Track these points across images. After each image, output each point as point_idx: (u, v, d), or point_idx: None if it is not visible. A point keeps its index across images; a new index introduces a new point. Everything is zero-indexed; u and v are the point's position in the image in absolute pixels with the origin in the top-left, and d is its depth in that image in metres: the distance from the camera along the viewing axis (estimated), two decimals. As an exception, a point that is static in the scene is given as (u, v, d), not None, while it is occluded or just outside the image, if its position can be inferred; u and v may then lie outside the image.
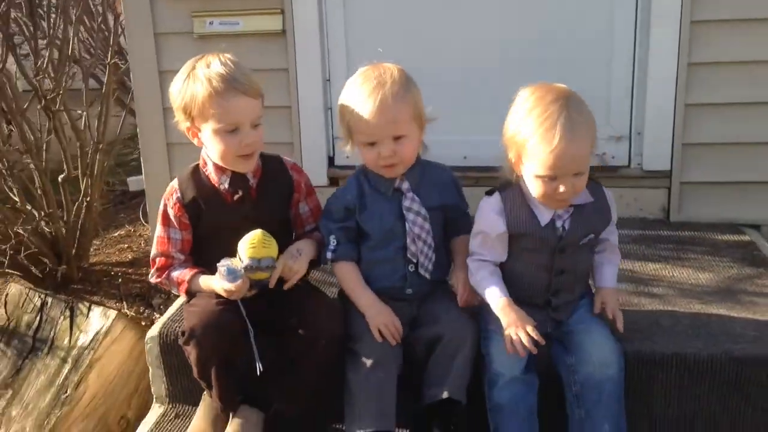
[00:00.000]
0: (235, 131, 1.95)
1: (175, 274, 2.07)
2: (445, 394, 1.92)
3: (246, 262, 1.91)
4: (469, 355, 1.97)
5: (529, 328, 1.89)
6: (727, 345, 2.05)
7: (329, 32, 3.07)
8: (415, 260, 2.06)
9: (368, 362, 1.97)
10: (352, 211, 2.05)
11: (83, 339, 2.75)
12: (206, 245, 2.09)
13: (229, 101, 1.92)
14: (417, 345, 2.04)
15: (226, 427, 2.07)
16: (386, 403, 1.94)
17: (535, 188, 1.90)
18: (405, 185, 2.03)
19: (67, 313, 2.86)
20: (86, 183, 3.58)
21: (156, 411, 2.32)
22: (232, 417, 2.08)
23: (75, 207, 3.56)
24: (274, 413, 2.09)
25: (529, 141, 1.84)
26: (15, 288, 3.09)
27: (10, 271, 3.40)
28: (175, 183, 2.10)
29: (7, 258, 3.27)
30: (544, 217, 1.96)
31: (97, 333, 2.74)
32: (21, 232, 3.25)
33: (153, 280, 2.13)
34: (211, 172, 2.06)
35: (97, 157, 3.62)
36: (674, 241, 2.83)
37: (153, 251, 2.12)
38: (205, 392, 2.14)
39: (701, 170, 2.96)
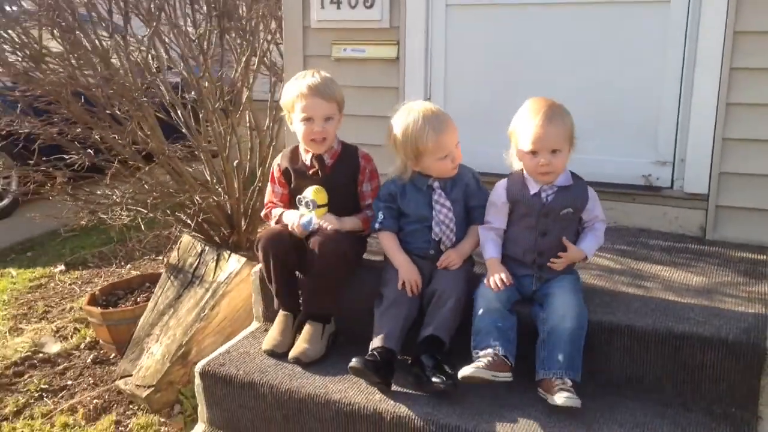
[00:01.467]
0: (309, 120, 2.81)
1: (275, 211, 3.03)
2: (429, 331, 2.63)
3: (302, 196, 2.85)
4: (455, 305, 2.66)
5: (503, 275, 2.66)
6: (672, 323, 2.58)
7: (432, 61, 3.85)
8: (437, 238, 2.81)
9: (388, 301, 2.74)
10: (395, 197, 2.84)
11: (221, 276, 3.73)
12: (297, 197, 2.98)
13: (308, 99, 2.80)
14: (424, 298, 2.76)
15: (292, 337, 2.92)
16: (394, 331, 2.67)
17: (524, 163, 2.66)
18: (436, 183, 2.79)
19: (215, 258, 3.85)
20: (260, 171, 4.62)
21: (254, 325, 3.22)
22: (301, 328, 2.91)
23: (250, 191, 4.60)
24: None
25: (519, 128, 2.63)
26: (186, 238, 4.14)
27: (195, 234, 4.49)
28: (280, 155, 3.01)
29: (194, 222, 4.35)
30: (533, 188, 2.69)
31: (230, 273, 3.70)
32: (206, 201, 4.32)
33: (262, 214, 3.11)
34: (302, 152, 2.95)
35: (270, 151, 4.66)
36: (694, 253, 3.28)
37: (265, 198, 3.08)
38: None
39: (735, 196, 3.38)
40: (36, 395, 3.88)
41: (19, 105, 4.70)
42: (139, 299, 4.34)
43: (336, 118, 2.89)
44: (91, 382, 3.99)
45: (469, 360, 2.52)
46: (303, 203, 2.85)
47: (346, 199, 2.96)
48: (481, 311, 2.63)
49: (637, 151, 3.55)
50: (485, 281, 2.68)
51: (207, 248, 3.97)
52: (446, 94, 3.84)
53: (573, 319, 2.55)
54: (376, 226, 2.88)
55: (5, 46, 4.36)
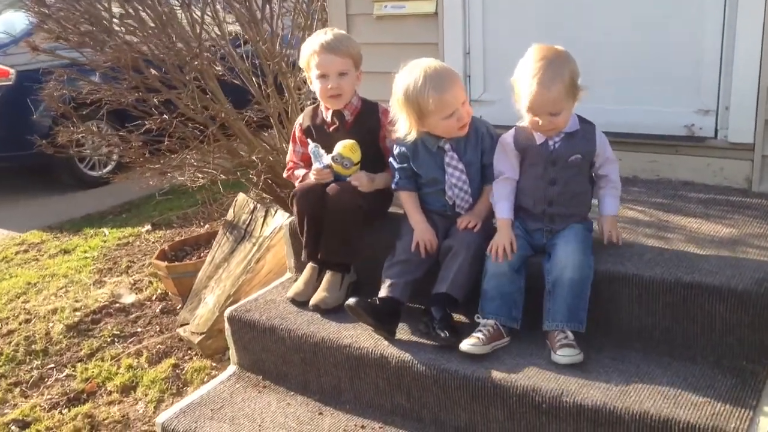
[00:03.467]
0: (324, 76, 2.88)
1: (297, 172, 3.12)
2: (443, 288, 2.66)
3: (334, 153, 2.88)
4: (467, 261, 2.67)
5: (507, 245, 2.63)
6: (681, 273, 2.51)
7: (470, 15, 3.82)
8: (451, 202, 2.83)
9: (399, 255, 2.79)
10: (408, 157, 2.84)
11: (267, 231, 3.90)
12: None
13: (321, 56, 2.87)
14: (440, 252, 2.79)
15: (315, 287, 3.04)
16: (399, 282, 2.73)
17: (525, 119, 2.62)
18: (447, 145, 2.77)
19: (264, 214, 4.02)
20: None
21: (286, 276, 3.37)
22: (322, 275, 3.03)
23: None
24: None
25: (519, 81, 2.57)
26: (241, 196, 4.34)
27: (262, 194, 4.69)
28: (302, 114, 3.11)
29: (261, 182, 4.55)
30: (540, 137, 2.66)
31: (275, 228, 3.86)
32: (267, 161, 4.52)
33: (285, 175, 3.21)
34: (322, 109, 3.03)
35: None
36: (733, 206, 3.14)
37: (287, 158, 3.18)
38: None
39: (783, 145, 3.21)
40: (109, 340, 4.22)
41: (97, 73, 5.06)
42: (202, 254, 4.59)
43: (351, 74, 2.95)
44: (158, 329, 4.29)
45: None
46: (338, 161, 2.89)
47: (370, 154, 3.00)
48: (488, 273, 2.65)
49: (678, 99, 3.42)
50: (489, 247, 2.67)
51: (258, 205, 4.14)
52: (485, 47, 3.81)
53: (574, 269, 2.53)
54: (393, 186, 2.92)
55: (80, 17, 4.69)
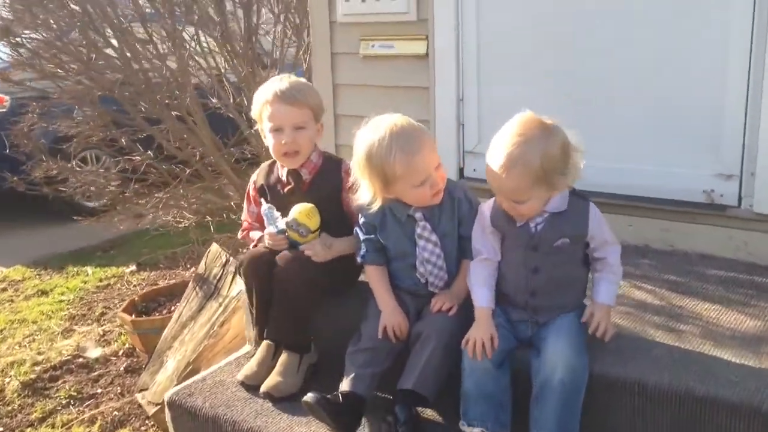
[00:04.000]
0: (278, 130, 2.51)
1: (253, 234, 2.74)
2: (408, 384, 2.25)
3: (289, 218, 2.51)
4: (439, 351, 2.26)
5: (486, 340, 2.20)
6: (693, 382, 2.08)
7: (464, 58, 3.44)
8: (423, 279, 2.42)
9: (364, 342, 2.39)
10: (375, 227, 2.44)
11: (234, 290, 3.51)
12: None
13: (274, 106, 2.50)
14: (411, 337, 2.39)
15: (270, 368, 2.64)
16: (363, 376, 2.33)
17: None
18: (418, 214, 2.36)
19: (233, 269, 3.64)
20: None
21: (244, 349, 2.98)
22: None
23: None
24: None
25: (487, 159, 2.16)
26: (214, 247, 3.96)
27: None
28: (257, 171, 2.73)
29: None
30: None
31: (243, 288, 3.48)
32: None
33: (240, 236, 2.83)
34: (278, 166, 2.66)
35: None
36: (759, 289, 2.70)
37: (243, 216, 2.81)
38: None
39: (818, 218, 2.77)
40: (64, 402, 3.86)
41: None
42: (173, 308, 4.22)
43: (310, 128, 2.57)
44: (119, 391, 3.92)
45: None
46: (293, 228, 2.52)
47: (332, 218, 2.61)
48: (467, 370, 2.24)
49: (696, 160, 2.99)
50: (464, 340, 2.25)
51: (231, 259, 3.77)
52: (480, 93, 3.42)
53: (565, 371, 2.11)
54: (359, 259, 2.52)
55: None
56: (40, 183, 4.76)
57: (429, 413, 2.39)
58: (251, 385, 2.61)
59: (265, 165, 2.74)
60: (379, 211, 2.40)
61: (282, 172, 2.65)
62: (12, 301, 5.37)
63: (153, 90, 4.34)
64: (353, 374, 2.34)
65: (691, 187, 3.00)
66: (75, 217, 4.94)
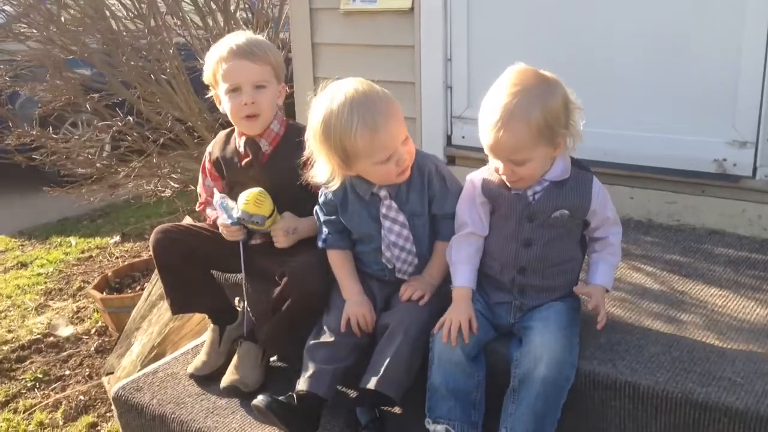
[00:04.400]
0: (236, 90, 2.20)
1: (208, 211, 2.45)
2: (371, 383, 1.97)
3: (239, 213, 2.20)
4: (407, 346, 1.99)
5: (464, 322, 1.94)
6: (692, 384, 1.80)
7: (452, 12, 3.11)
8: (390, 265, 2.14)
9: (325, 335, 2.12)
10: (336, 207, 2.15)
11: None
12: (231, 196, 2.39)
13: (230, 63, 2.19)
14: (377, 330, 2.11)
15: (219, 355, 2.42)
16: (324, 375, 2.05)
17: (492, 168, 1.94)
18: (383, 192, 2.07)
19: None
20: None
21: (206, 335, 2.71)
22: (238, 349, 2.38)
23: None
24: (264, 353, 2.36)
25: (480, 116, 1.87)
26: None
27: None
28: (213, 141, 2.43)
29: None
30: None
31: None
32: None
33: (197, 208, 2.55)
34: (236, 136, 2.35)
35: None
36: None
37: (198, 188, 2.52)
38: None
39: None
40: (30, 385, 3.63)
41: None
42: (146, 285, 3.98)
43: (272, 87, 2.25)
44: (87, 373, 3.69)
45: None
46: (246, 221, 2.21)
47: (294, 197, 2.30)
48: (435, 361, 1.97)
49: (706, 127, 2.67)
50: (438, 324, 1.99)
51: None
52: (470, 52, 3.10)
53: (549, 367, 1.84)
54: (320, 244, 2.22)
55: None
56: (12, 151, 4.49)
57: (397, 409, 2.14)
58: (203, 376, 2.38)
59: (222, 134, 2.44)
60: (340, 189, 2.11)
61: (240, 142, 2.34)
62: (-10, 273, 5.15)
63: (126, 50, 4.03)
64: (312, 371, 2.07)
65: (700, 155, 2.70)
66: (45, 188, 4.66)
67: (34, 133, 4.56)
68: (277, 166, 2.29)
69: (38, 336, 4.05)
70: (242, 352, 2.35)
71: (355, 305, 2.12)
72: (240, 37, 2.25)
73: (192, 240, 2.35)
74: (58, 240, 5.70)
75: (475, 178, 2.05)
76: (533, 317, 1.98)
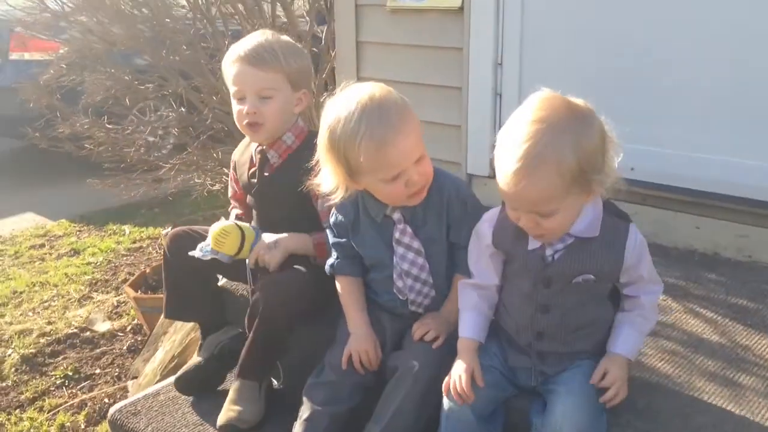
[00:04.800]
0: (242, 100, 2.03)
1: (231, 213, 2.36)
2: None
3: (208, 247, 2.07)
4: (416, 395, 1.77)
5: (465, 378, 1.68)
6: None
7: (505, 13, 2.83)
8: (403, 297, 1.91)
9: (327, 374, 1.93)
10: (347, 229, 1.94)
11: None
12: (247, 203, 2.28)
13: (236, 68, 2.03)
14: (387, 371, 1.89)
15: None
16: (320, 415, 1.87)
17: (512, 217, 1.63)
18: (396, 215, 1.85)
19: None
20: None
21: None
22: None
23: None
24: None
25: (496, 156, 1.58)
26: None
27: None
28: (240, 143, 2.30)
29: None
30: (534, 241, 1.67)
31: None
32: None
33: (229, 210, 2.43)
34: (253, 144, 2.18)
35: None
36: None
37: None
38: None
39: None
40: (59, 382, 3.57)
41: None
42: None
43: (282, 97, 2.06)
44: (116, 374, 3.61)
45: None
46: (215, 256, 2.07)
47: (297, 216, 2.12)
48: (444, 419, 1.73)
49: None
50: (446, 380, 1.74)
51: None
52: (523, 56, 2.82)
53: (568, 442, 1.57)
54: (327, 269, 2.02)
55: None
56: (62, 139, 4.45)
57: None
58: (204, 406, 2.21)
59: (242, 144, 2.31)
60: (351, 209, 1.90)
61: (253, 149, 2.18)
62: (43, 260, 5.15)
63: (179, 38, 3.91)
64: (308, 414, 1.87)
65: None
66: (89, 180, 4.62)
67: (86, 122, 4.52)
68: (282, 181, 2.10)
69: (75, 330, 3.99)
70: (238, 384, 2.16)
71: (358, 339, 1.91)
72: (253, 39, 2.05)
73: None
74: (114, 227, 5.69)
75: (483, 224, 1.77)
76: (556, 380, 1.71)
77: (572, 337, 1.70)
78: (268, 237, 2.11)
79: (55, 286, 4.62)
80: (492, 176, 2.81)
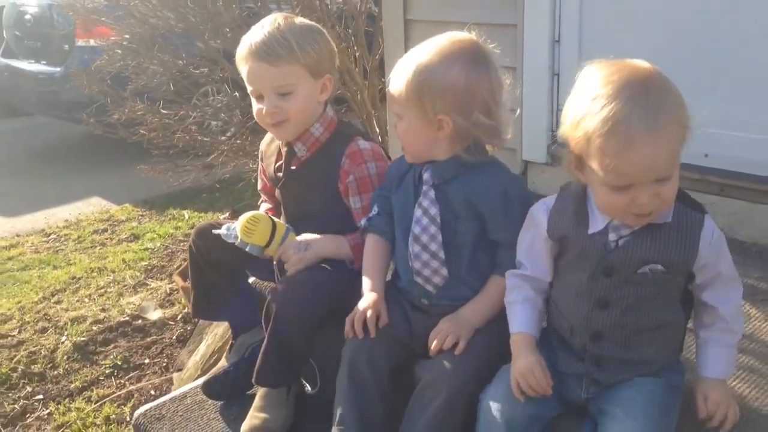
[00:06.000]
0: (260, 98, 1.87)
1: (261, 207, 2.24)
2: None
3: (238, 241, 1.92)
4: (442, 411, 1.59)
5: (536, 372, 1.50)
6: None
7: (563, -15, 2.59)
8: (415, 266, 1.74)
9: (344, 372, 1.75)
10: (394, 183, 1.83)
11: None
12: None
13: (248, 65, 1.86)
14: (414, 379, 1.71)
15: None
16: (353, 419, 1.70)
17: (603, 200, 1.44)
18: (427, 174, 1.71)
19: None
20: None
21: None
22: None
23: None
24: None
25: (593, 137, 1.36)
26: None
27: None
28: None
29: None
30: (597, 223, 1.48)
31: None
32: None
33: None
34: None
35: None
36: None
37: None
38: None
39: None
40: (108, 372, 3.54)
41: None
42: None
43: (302, 89, 1.89)
44: (164, 364, 3.55)
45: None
46: (244, 248, 1.93)
47: (323, 213, 1.97)
48: None
49: None
50: (496, 381, 1.56)
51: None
52: (582, 33, 2.57)
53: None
54: (362, 222, 1.89)
55: None
56: (116, 125, 4.42)
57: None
58: (229, 411, 2.09)
59: (269, 136, 2.16)
60: (404, 166, 1.79)
61: (281, 144, 2.04)
62: (104, 245, 5.18)
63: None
64: (339, 427, 1.72)
65: None
66: (139, 167, 4.59)
67: (140, 107, 4.48)
68: (307, 176, 1.95)
69: (127, 318, 3.96)
70: (265, 390, 2.02)
71: (364, 299, 1.76)
72: (263, 30, 1.88)
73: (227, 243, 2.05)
74: (174, 212, 5.67)
75: (539, 209, 1.60)
76: (613, 398, 1.51)
77: (635, 340, 1.50)
78: (302, 236, 1.95)
79: (113, 272, 4.62)
80: (550, 163, 2.60)
